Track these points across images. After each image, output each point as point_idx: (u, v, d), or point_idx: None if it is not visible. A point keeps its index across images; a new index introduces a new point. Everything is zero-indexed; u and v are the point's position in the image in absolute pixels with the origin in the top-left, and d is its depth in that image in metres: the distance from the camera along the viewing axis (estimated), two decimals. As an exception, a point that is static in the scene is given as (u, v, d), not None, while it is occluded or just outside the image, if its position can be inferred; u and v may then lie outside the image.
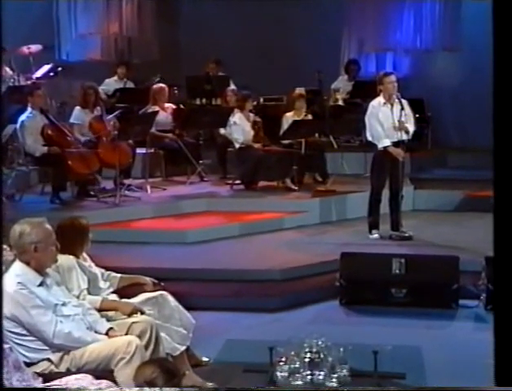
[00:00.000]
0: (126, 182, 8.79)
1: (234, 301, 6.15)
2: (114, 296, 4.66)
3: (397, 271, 6.08)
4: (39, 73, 10.73)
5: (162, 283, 4.85)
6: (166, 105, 9.64)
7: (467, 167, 10.06)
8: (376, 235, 7.53)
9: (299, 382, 3.98)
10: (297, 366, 4.02)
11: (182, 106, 10.18)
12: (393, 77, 7.37)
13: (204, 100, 10.89)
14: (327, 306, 6.13)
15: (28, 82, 10.24)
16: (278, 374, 4.05)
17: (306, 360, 4.00)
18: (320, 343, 4.02)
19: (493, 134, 2.74)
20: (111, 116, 8.86)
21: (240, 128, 9.09)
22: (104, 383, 3.53)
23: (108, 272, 4.82)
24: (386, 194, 7.53)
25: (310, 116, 9.43)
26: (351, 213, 8.45)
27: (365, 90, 9.92)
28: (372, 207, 7.52)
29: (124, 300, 4.58)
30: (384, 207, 7.55)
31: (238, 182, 9.14)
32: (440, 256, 6.38)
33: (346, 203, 8.57)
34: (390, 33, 11.82)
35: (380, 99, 7.41)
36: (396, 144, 7.36)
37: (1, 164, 4.34)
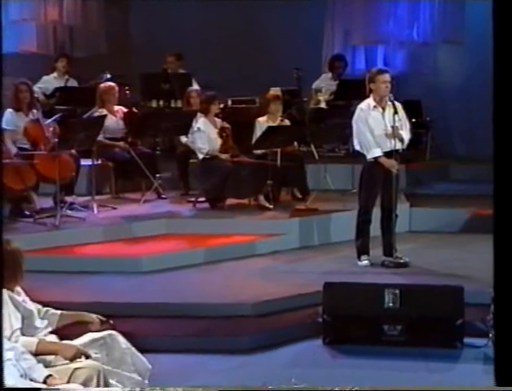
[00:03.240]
0: (69, 199, 8.78)
1: (198, 341, 6.16)
2: (53, 337, 4.65)
3: (390, 304, 6.13)
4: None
5: (111, 321, 4.85)
6: (116, 108, 9.66)
7: (474, 180, 10.17)
8: (365, 262, 7.60)
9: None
10: (272, 417, 4.04)
11: (135, 109, 10.21)
12: (387, 76, 7.45)
13: (161, 102, 10.94)
14: (308, 346, 6.16)
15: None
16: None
17: (284, 410, 4.02)
18: (300, 389, 4.05)
19: (494, 144, 2.83)
20: (50, 120, 8.85)
21: (204, 135, 9.13)
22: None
23: (46, 308, 4.80)
24: (377, 213, 7.61)
25: (287, 122, 9.50)
26: (336, 235, 8.52)
27: (352, 91, 10.03)
28: (361, 228, 7.59)
29: (65, 341, 4.58)
30: (375, 228, 7.62)
31: (202, 199, 9.17)
32: (442, 286, 6.46)
33: (331, 224, 8.63)
34: (382, 23, 11.96)
35: (370, 101, 7.50)
36: (389, 154, 7.44)
37: (1, 164, 4.39)
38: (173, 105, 10.90)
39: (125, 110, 9.75)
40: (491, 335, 5.92)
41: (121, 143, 9.54)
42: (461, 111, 11.69)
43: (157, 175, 9.46)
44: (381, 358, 5.91)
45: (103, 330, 4.72)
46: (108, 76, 10.56)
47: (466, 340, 6.08)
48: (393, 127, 7.37)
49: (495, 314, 3.05)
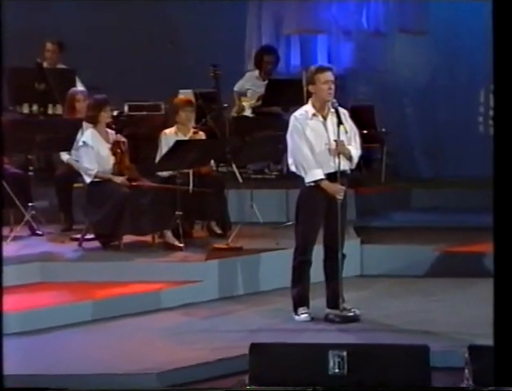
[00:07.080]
0: None
1: (85, 424, 6.16)
2: None
3: (336, 370, 6.19)
4: None
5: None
6: (-25, 116, 9.59)
7: (441, 209, 10.38)
8: (304, 316, 7.66)
9: None
10: None
11: None
12: (330, 75, 7.53)
13: (35, 107, 10.86)
14: (231, 427, 6.22)
15: None
16: None
17: None
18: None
19: (494, 162, 2.95)
20: None
21: (92, 152, 9.09)
22: None
23: None
24: (319, 252, 7.70)
25: (202, 134, 9.55)
26: (267, 282, 8.59)
27: (286, 94, 10.17)
28: (299, 273, 7.64)
29: None
30: (316, 272, 7.71)
31: (90, 236, 9.14)
32: (402, 345, 6.55)
33: (259, 267, 8.70)
34: (322, 7, 12.12)
35: (307, 108, 7.60)
36: (333, 176, 7.54)
37: (1, 162, 4.39)
38: (50, 111, 10.84)
39: (-14, 118, 9.68)
40: (465, 406, 6.07)
41: (-18, 163, 9.47)
42: (424, 119, 11.87)
43: (30, 204, 9.38)
44: (326, 439, 5.98)
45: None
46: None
47: (434, 413, 6.21)
48: (337, 141, 7.47)
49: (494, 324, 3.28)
